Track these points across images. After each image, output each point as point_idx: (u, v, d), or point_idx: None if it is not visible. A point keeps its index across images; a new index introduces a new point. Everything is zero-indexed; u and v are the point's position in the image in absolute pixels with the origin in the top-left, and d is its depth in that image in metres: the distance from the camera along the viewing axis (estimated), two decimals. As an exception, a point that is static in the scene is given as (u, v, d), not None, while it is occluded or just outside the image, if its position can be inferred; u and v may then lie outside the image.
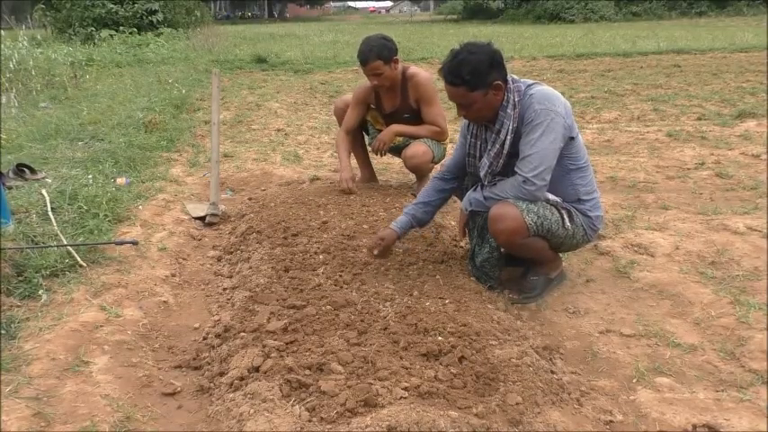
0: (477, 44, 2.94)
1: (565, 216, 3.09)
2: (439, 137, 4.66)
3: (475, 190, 3.21)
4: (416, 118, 4.64)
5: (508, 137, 2.99)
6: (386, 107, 4.72)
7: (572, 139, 3.02)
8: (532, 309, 3.18)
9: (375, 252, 3.30)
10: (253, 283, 3.19)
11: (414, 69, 4.61)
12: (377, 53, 4.38)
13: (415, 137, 4.61)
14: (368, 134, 4.94)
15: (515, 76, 3.05)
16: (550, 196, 3.07)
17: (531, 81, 3.06)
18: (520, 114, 2.96)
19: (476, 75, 2.87)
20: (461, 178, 3.42)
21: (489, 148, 3.08)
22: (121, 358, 2.65)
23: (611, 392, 2.43)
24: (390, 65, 4.43)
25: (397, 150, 4.75)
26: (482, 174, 3.14)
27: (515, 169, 2.97)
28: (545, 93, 2.97)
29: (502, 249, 3.24)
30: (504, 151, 3.01)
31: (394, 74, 4.48)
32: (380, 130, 4.79)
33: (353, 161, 5.22)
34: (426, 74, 4.63)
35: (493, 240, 3.14)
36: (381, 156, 4.88)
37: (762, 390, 2.39)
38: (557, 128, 2.90)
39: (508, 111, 2.97)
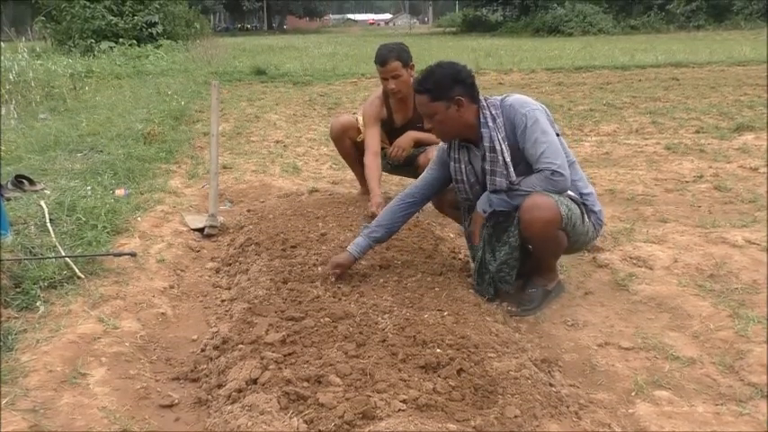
0: (451, 61, 3.14)
1: (583, 210, 3.14)
2: None
3: (493, 192, 3.13)
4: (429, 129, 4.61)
5: (504, 146, 3.04)
6: (397, 120, 4.66)
7: (557, 135, 3.11)
8: (531, 321, 3.18)
9: (331, 279, 3.31)
10: (251, 295, 3.18)
11: None
12: (396, 54, 4.37)
13: (430, 143, 4.57)
14: None
15: (486, 95, 3.16)
16: (569, 192, 3.09)
17: (501, 95, 3.17)
18: (508, 122, 3.05)
19: (438, 86, 3.02)
20: (427, 199, 3.47)
21: (490, 168, 3.09)
22: (119, 370, 2.64)
23: (610, 405, 2.43)
24: (408, 70, 4.41)
25: (408, 163, 4.68)
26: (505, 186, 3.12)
27: (537, 167, 3.00)
28: (521, 98, 3.13)
29: (527, 247, 3.22)
30: (507, 160, 3.04)
31: (410, 81, 4.42)
32: (385, 149, 4.76)
33: (350, 173, 5.23)
34: None
35: (513, 239, 3.10)
36: (395, 167, 4.80)
37: (761, 404, 2.38)
38: (547, 123, 3.04)
39: (490, 125, 3.06)
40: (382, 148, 4.76)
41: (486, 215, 3.16)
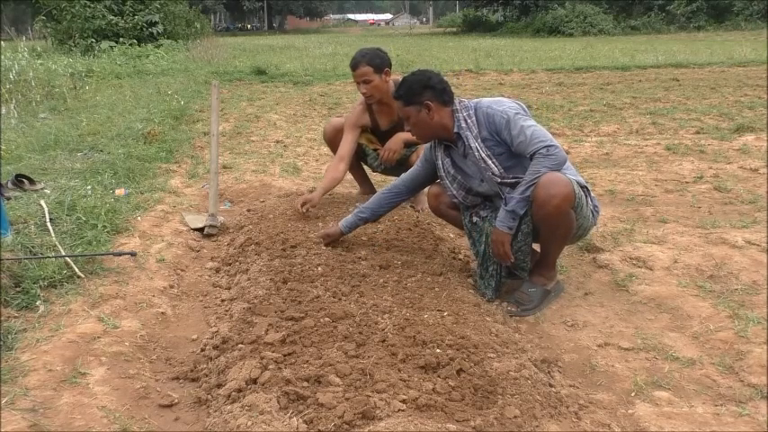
0: (424, 69, 3.41)
1: (585, 192, 3.25)
2: None
3: (505, 204, 3.17)
4: None
5: (477, 143, 3.21)
6: (382, 124, 4.68)
7: None
8: (531, 321, 3.18)
9: (321, 245, 3.78)
10: (251, 295, 3.18)
11: None
12: (368, 60, 4.39)
13: (420, 143, 4.58)
14: (366, 160, 4.93)
15: (463, 98, 3.37)
16: (568, 174, 3.15)
17: (475, 99, 3.37)
18: (485, 123, 3.21)
19: (409, 92, 3.28)
20: (412, 192, 3.79)
21: (478, 166, 3.25)
22: (119, 370, 2.64)
23: (610, 406, 2.43)
24: (381, 75, 4.40)
25: (401, 164, 4.69)
26: (498, 179, 3.22)
27: (530, 152, 3.08)
28: (496, 99, 3.32)
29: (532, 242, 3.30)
30: (484, 154, 3.19)
31: (384, 87, 4.43)
32: (376, 150, 4.78)
33: (349, 174, 5.22)
34: None
35: (525, 226, 3.18)
36: (388, 169, 4.81)
37: (761, 404, 2.39)
38: (524, 114, 3.18)
39: (462, 125, 3.24)
40: (374, 150, 4.80)
41: (512, 231, 3.18)
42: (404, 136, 4.56)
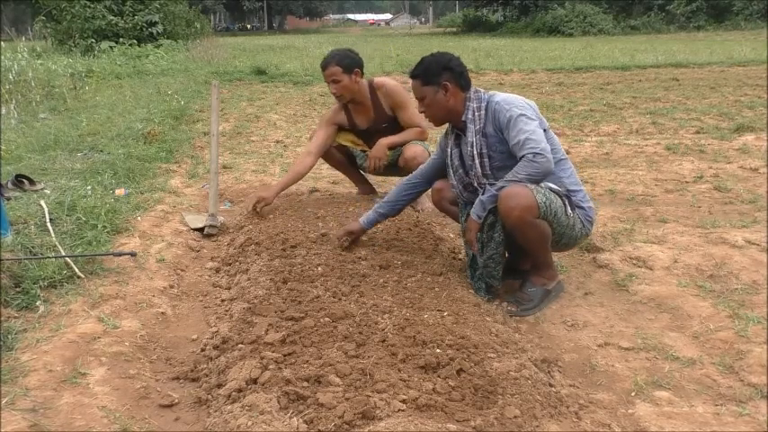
0: (443, 51, 3.40)
1: (566, 202, 3.20)
2: (422, 136, 4.66)
3: (482, 194, 3.22)
4: (395, 126, 4.63)
5: (476, 138, 3.22)
6: (360, 124, 4.71)
7: (545, 131, 3.19)
8: (531, 321, 3.18)
9: (344, 245, 3.72)
10: (251, 295, 3.18)
11: (380, 79, 4.68)
12: (337, 60, 4.46)
13: (404, 144, 4.60)
14: (356, 162, 4.98)
15: (480, 89, 3.33)
16: (550, 184, 3.15)
17: (492, 92, 3.34)
18: (492, 118, 3.20)
19: (428, 71, 3.27)
20: (430, 183, 3.68)
21: (471, 162, 3.27)
22: (119, 370, 2.64)
23: (610, 406, 2.43)
24: (351, 76, 4.46)
25: (391, 165, 4.71)
26: (475, 181, 3.28)
27: (520, 155, 3.08)
28: (508, 97, 3.26)
29: (505, 252, 3.29)
30: (475, 152, 3.22)
31: (354, 87, 4.48)
32: (364, 151, 4.78)
33: (346, 177, 5.24)
34: (393, 80, 4.73)
35: (497, 234, 3.20)
36: (379, 174, 4.81)
37: (761, 404, 2.38)
38: (532, 116, 3.15)
39: (469, 116, 3.26)
40: (362, 151, 4.85)
41: (480, 220, 3.21)
42: (386, 141, 4.59)
